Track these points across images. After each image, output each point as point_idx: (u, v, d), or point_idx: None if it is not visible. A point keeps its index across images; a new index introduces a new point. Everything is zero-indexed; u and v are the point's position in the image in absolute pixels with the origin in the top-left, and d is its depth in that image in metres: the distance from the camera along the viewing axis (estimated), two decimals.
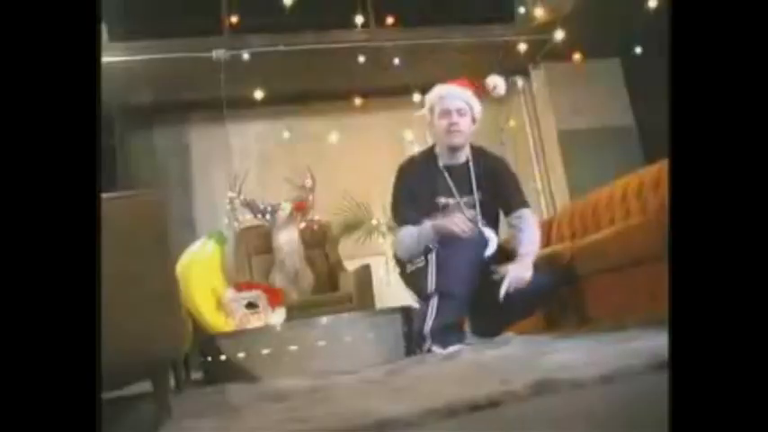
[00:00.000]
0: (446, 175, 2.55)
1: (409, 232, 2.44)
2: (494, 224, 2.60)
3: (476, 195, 2.54)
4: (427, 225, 2.38)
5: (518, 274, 2.34)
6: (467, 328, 2.49)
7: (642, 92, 5.34)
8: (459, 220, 2.34)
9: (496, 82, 2.60)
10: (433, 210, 2.48)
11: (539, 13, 4.84)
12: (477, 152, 2.64)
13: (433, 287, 2.31)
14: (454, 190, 2.52)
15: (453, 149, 2.55)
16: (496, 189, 2.57)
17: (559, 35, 4.78)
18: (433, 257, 2.34)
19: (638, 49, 4.97)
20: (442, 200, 2.52)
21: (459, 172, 2.56)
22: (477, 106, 2.56)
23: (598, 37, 4.92)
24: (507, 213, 2.60)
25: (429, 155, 2.62)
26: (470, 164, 2.57)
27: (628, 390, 1.13)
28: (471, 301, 2.35)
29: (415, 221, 2.43)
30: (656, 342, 1.45)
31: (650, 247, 2.14)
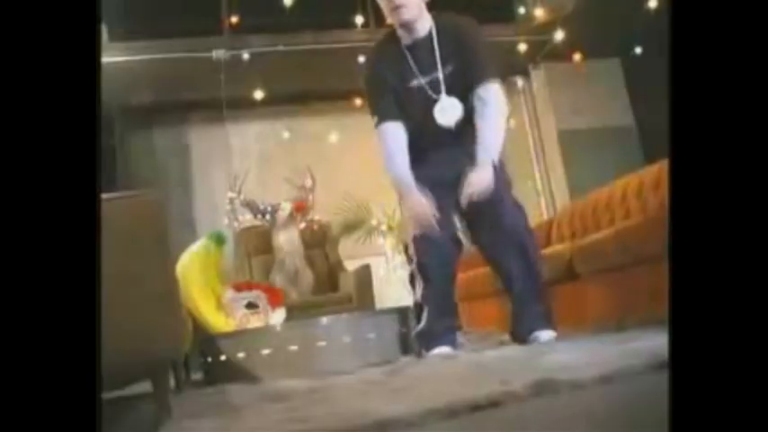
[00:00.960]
0: (408, 55, 2.35)
1: (395, 143, 2.31)
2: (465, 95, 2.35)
3: (440, 73, 2.32)
4: (406, 179, 2.26)
5: (478, 179, 2.18)
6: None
7: (642, 92, 5.34)
8: (423, 213, 2.21)
9: None
10: (408, 96, 2.33)
11: (539, 13, 4.85)
12: (440, 18, 2.39)
13: (419, 295, 2.34)
14: (416, 70, 2.33)
15: (407, 26, 2.33)
16: (462, 58, 2.33)
17: (559, 35, 4.78)
18: (415, 267, 2.34)
19: (638, 49, 4.98)
20: (414, 82, 2.34)
21: (422, 48, 2.35)
22: None
23: (598, 37, 4.92)
24: (470, 88, 2.33)
25: (392, 36, 2.42)
26: (433, 35, 2.34)
27: (628, 390, 1.14)
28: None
29: (395, 115, 2.32)
30: (656, 342, 1.45)
31: (650, 247, 2.14)
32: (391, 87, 2.35)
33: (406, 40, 2.36)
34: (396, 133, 2.33)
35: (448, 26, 2.37)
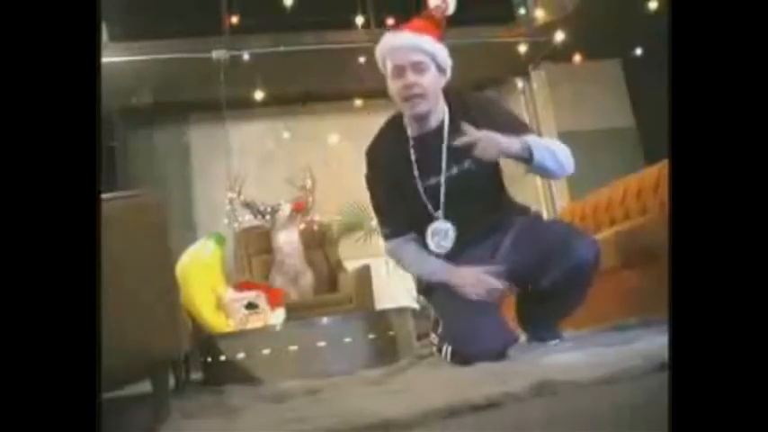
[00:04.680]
0: (411, 151, 1.98)
1: (410, 253, 2.01)
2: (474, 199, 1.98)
3: (442, 178, 1.95)
4: (440, 267, 1.93)
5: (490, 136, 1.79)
6: (523, 337, 2.06)
7: (642, 92, 5.35)
8: (473, 277, 1.85)
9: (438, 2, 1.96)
10: (419, 199, 1.98)
11: (539, 13, 4.85)
12: (454, 103, 2.00)
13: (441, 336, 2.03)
14: (416, 171, 1.97)
15: (419, 118, 1.95)
16: (491, 127, 1.88)
17: (560, 36, 4.79)
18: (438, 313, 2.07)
19: (639, 50, 4.98)
20: (411, 183, 1.99)
21: (429, 143, 1.97)
22: (441, 53, 1.94)
23: (598, 37, 4.93)
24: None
25: (395, 125, 2.05)
26: (444, 131, 1.96)
27: (628, 390, 1.13)
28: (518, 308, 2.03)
29: (405, 230, 2.02)
30: (657, 342, 1.45)
31: (650, 247, 2.14)
32: (393, 187, 2.02)
33: (414, 131, 2.00)
34: (408, 247, 2.02)
35: (462, 113, 1.94)
